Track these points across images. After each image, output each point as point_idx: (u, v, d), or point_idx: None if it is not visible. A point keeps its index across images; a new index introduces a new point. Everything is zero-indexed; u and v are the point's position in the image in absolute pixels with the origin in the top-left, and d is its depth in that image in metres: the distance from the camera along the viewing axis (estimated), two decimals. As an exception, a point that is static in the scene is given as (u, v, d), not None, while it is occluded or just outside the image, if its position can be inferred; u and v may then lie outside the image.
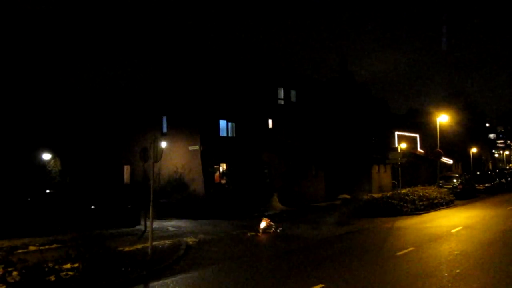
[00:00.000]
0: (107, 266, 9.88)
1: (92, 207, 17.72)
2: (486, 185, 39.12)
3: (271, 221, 17.14)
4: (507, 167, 73.87)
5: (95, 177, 29.32)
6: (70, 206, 17.16)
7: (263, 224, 16.72)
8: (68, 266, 9.68)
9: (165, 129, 30.18)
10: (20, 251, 12.14)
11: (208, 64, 29.20)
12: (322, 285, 9.04)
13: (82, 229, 14.75)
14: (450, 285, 9.00)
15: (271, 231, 16.60)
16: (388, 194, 25.43)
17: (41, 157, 28.24)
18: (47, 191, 20.90)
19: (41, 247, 12.75)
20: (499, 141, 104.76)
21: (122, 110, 32.56)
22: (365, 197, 25.48)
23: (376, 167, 39.22)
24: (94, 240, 11.99)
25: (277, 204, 26.09)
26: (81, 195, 19.37)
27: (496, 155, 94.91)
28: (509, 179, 46.55)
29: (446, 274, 9.90)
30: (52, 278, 9.01)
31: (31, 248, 12.89)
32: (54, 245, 13.33)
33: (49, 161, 28.61)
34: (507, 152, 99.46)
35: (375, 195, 26.97)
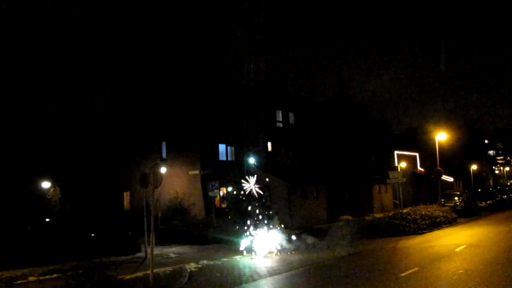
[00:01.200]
0: (108, 295, 9.75)
1: (92, 235, 17.58)
2: (488, 202, 38.95)
3: (273, 244, 16.98)
4: (508, 183, 73.64)
5: (95, 204, 29.17)
6: (70, 234, 16.98)
7: (265, 248, 16.56)
8: (68, 296, 9.56)
9: (164, 155, 30.22)
10: (19, 281, 12.01)
11: (206, 89, 29.45)
12: (327, 309, 8.91)
13: (82, 257, 14.58)
14: (456, 305, 8.87)
15: (274, 254, 16.44)
16: (390, 214, 25.29)
17: (41, 185, 28.15)
18: (47, 219, 20.76)
19: (41, 277, 12.59)
20: (498, 158, 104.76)
21: (121, 136, 32.63)
22: (367, 217, 25.37)
23: (377, 187, 39.10)
24: (95, 269, 11.84)
25: (278, 227, 25.85)
26: (81, 223, 19.23)
27: (497, 172, 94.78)
28: (510, 195, 46.36)
29: (451, 295, 9.76)
30: (52, 309, 8.89)
31: (31, 278, 12.72)
32: (54, 275, 13.16)
33: (48, 190, 28.50)
34: (507, 168, 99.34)
35: (377, 215, 26.84)
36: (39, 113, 32.02)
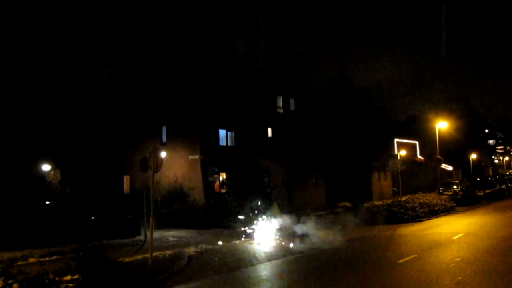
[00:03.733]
0: (107, 277, 9.84)
1: (92, 217, 17.67)
2: (487, 191, 39.08)
3: (272, 230, 17.08)
4: (507, 173, 73.82)
5: (95, 188, 29.27)
6: (70, 217, 17.11)
7: (264, 233, 16.68)
8: (68, 278, 9.66)
9: (164, 139, 30.21)
10: (20, 263, 12.10)
11: (207, 73, 29.32)
12: (324, 294, 9.00)
13: (82, 240, 14.72)
14: (452, 292, 8.97)
15: (272, 240, 16.55)
16: (389, 202, 25.40)
17: (41, 168, 28.19)
18: (47, 202, 20.84)
19: (41, 259, 12.67)
20: (498, 147, 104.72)
21: (122, 121, 32.59)
22: (366, 204, 25.44)
23: (377, 175, 39.19)
24: (94, 251, 11.95)
25: (277, 213, 25.97)
26: (81, 205, 19.31)
27: (496, 161, 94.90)
28: (509, 185, 46.52)
29: (447, 282, 9.87)
30: (52, 290, 8.98)
31: (31, 260, 12.82)
32: (54, 257, 13.28)
33: (49, 172, 28.55)
34: (506, 158, 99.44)
35: (376, 203, 26.92)
36: (39, 96, 31.88)
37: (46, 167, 28.34)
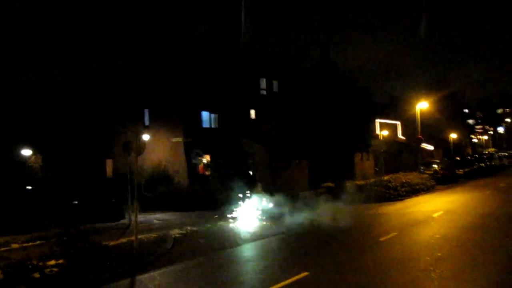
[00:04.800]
0: (92, 261, 9.83)
1: (75, 202, 17.54)
2: (466, 170, 39.87)
3: (256, 210, 17.21)
4: (486, 152, 75.29)
5: (77, 172, 28.97)
6: (53, 202, 16.95)
7: (248, 214, 16.80)
8: (53, 262, 9.61)
9: (147, 122, 29.97)
10: (2, 249, 12.01)
11: (189, 55, 28.99)
12: (307, 273, 9.17)
13: (66, 224, 14.58)
14: (431, 268, 9.22)
15: (256, 220, 16.69)
16: (371, 181, 25.78)
17: (21, 153, 27.75)
18: (29, 187, 20.58)
19: (24, 244, 12.56)
20: (477, 127, 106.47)
21: (104, 104, 32.13)
22: (349, 184, 25.76)
23: (359, 155, 39.57)
24: (78, 236, 11.88)
25: (261, 194, 26.14)
26: (64, 190, 19.14)
27: (475, 140, 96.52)
28: (488, 163, 47.51)
29: (428, 258, 10.13)
30: (37, 275, 8.94)
31: (14, 245, 12.71)
32: (38, 242, 13.19)
33: (29, 157, 28.14)
34: (485, 137, 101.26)
35: (359, 183, 27.30)
36: (19, 79, 31.23)
37: (26, 152, 27.90)
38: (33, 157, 28.13)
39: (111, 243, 12.61)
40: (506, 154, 66.17)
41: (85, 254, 10.02)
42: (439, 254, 10.40)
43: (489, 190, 27.56)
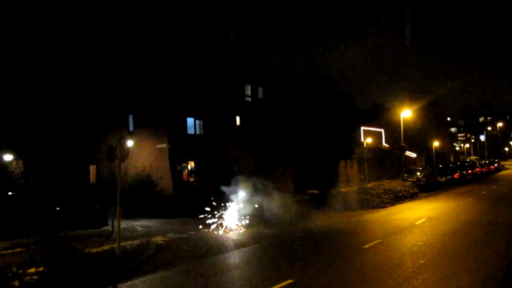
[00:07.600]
0: (73, 268, 9.68)
1: (57, 208, 17.26)
2: (448, 177, 40.41)
3: (240, 218, 17.18)
4: (468, 160, 76.43)
5: (60, 178, 28.58)
6: (34, 208, 16.67)
7: (232, 221, 16.76)
8: (33, 270, 9.44)
9: (131, 128, 29.76)
10: (-19, 256, 11.73)
11: (174, 61, 28.92)
12: (291, 281, 9.16)
13: (47, 231, 14.37)
14: (414, 275, 9.29)
15: (241, 228, 16.65)
16: (355, 189, 25.95)
17: (2, 158, 27.26)
18: (10, 193, 20.20)
19: (4, 251, 12.34)
20: (460, 135, 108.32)
21: (88, 109, 31.83)
22: (333, 191, 25.89)
23: (343, 162, 39.82)
24: (60, 243, 11.72)
25: (245, 201, 26.07)
26: (46, 196, 18.82)
27: (457, 148, 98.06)
28: (469, 171, 48.21)
29: (410, 265, 10.20)
30: (16, 283, 8.77)
31: (-7, 252, 12.46)
32: (18, 249, 12.93)
33: (10, 162, 27.65)
34: (467, 145, 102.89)
35: (343, 190, 27.45)
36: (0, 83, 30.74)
37: (7, 157, 27.40)
38: (15, 162, 27.64)
39: (93, 250, 12.45)
40: (487, 162, 67.33)
41: (66, 261, 9.87)
42: (422, 262, 10.49)
43: (471, 197, 27.96)
